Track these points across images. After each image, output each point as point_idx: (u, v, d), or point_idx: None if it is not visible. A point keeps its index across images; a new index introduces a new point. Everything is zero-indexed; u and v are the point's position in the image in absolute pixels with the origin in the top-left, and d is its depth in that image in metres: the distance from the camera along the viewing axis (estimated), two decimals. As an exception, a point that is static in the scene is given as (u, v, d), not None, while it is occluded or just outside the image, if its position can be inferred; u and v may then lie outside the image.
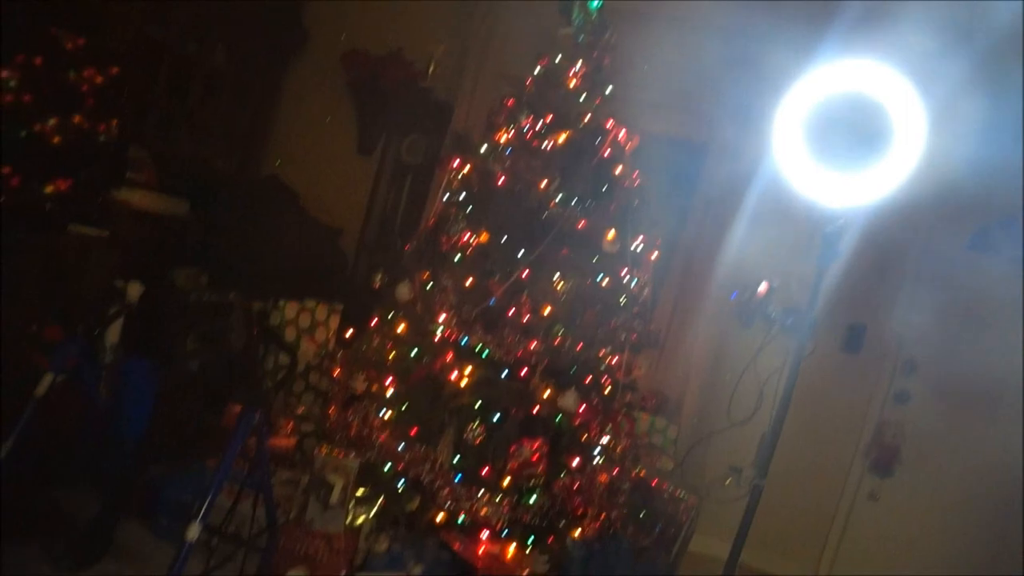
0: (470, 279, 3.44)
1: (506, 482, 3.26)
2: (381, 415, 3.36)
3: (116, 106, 3.84)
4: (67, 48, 3.55)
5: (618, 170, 3.59)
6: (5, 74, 3.32)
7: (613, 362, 3.57)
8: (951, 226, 4.16)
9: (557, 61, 3.64)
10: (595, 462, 3.45)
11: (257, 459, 2.55)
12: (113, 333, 2.97)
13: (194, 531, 2.12)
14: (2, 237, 3.30)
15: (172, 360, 3.08)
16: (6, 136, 3.37)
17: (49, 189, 3.57)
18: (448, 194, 3.63)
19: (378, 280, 3.57)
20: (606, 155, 3.57)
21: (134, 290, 2.77)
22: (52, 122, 3.50)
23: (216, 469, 2.26)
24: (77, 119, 3.61)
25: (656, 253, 3.69)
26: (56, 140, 3.52)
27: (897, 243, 4.13)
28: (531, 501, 3.24)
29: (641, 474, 3.70)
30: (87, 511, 2.84)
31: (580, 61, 3.62)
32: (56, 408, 2.55)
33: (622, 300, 3.55)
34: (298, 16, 5.32)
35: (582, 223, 3.48)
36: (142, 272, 2.94)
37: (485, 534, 3.19)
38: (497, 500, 3.20)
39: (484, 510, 3.19)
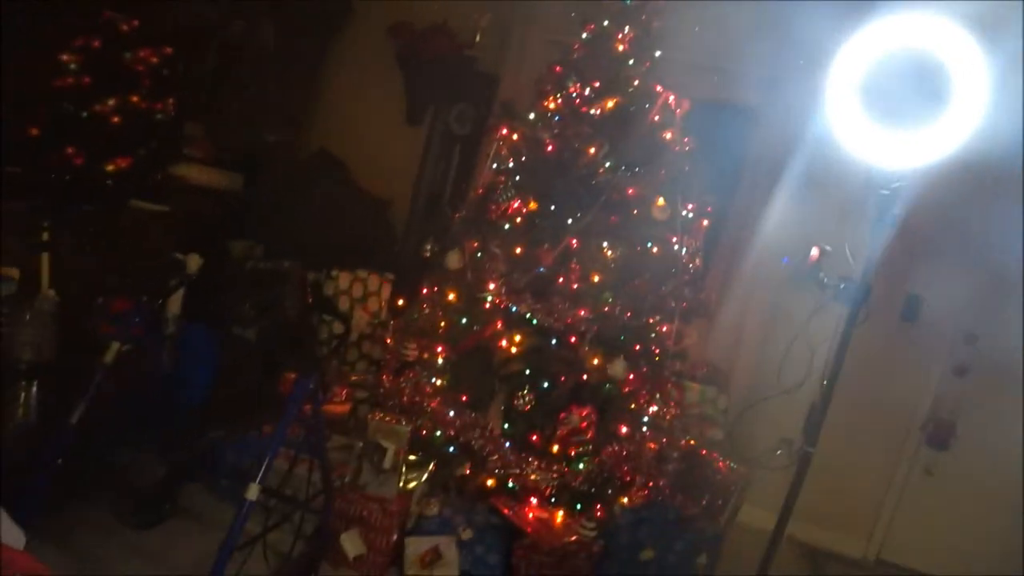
0: (519, 247, 3.45)
1: (555, 449, 3.29)
2: (432, 382, 3.42)
3: (171, 85, 3.93)
4: (122, 30, 3.64)
5: (667, 136, 3.54)
6: (66, 58, 3.43)
7: (663, 330, 3.55)
8: (1016, 193, 3.98)
9: (604, 25, 3.58)
10: (644, 430, 3.45)
11: (312, 425, 2.63)
12: (174, 304, 3.08)
13: (253, 491, 2.20)
14: (69, 213, 3.44)
15: (230, 329, 3.18)
16: (69, 117, 3.49)
17: (110, 167, 3.69)
18: (497, 163, 3.63)
19: (428, 249, 3.60)
20: (655, 121, 3.52)
21: (193, 262, 2.86)
22: (111, 102, 3.60)
23: (273, 434, 2.34)
24: (134, 99, 3.71)
25: (706, 220, 3.63)
26: (115, 120, 3.63)
27: (957, 210, 3.96)
28: (579, 468, 3.27)
29: (691, 443, 3.69)
30: (152, 474, 2.97)
31: (628, 25, 3.55)
32: (122, 376, 2.67)
33: (672, 268, 3.51)
34: (343, -10, 5.34)
35: (631, 190, 3.44)
36: (200, 244, 3.03)
37: (534, 500, 3.23)
38: (546, 466, 3.24)
39: (533, 476, 3.23)
